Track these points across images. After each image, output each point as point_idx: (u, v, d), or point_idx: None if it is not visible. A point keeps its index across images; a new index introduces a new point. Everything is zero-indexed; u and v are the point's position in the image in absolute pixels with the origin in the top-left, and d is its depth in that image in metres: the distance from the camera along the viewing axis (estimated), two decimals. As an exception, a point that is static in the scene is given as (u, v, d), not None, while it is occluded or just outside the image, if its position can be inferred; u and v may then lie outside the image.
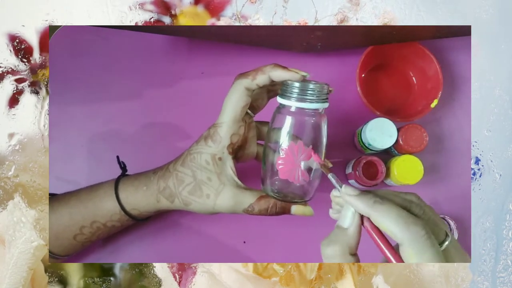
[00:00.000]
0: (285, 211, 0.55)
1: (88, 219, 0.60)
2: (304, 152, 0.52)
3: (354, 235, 0.44)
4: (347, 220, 0.44)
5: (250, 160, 0.61)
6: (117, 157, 0.65)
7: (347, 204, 0.45)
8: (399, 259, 0.41)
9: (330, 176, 0.48)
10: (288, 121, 0.52)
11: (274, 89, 0.60)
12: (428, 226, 0.42)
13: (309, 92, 0.51)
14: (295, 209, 0.55)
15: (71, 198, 0.62)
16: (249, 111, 0.58)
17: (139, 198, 0.59)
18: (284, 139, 0.53)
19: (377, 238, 0.43)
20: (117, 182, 0.61)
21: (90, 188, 0.62)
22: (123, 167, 0.65)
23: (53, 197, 0.63)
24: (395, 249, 0.42)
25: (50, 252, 0.60)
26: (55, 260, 0.62)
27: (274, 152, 0.54)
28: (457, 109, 0.80)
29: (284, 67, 0.54)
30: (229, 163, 0.56)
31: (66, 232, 0.60)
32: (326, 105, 0.53)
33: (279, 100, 0.53)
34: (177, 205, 0.57)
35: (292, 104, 0.52)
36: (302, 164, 0.52)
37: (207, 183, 0.55)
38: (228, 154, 0.56)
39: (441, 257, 0.40)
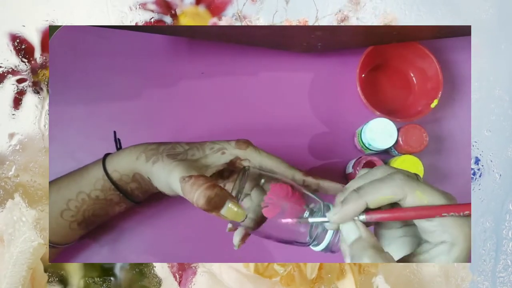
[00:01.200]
0: (217, 206, 0.47)
1: (75, 190, 0.60)
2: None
3: (370, 236, 0.42)
4: (353, 231, 0.42)
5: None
6: (114, 132, 0.66)
7: (341, 222, 0.43)
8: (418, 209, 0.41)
9: (310, 220, 0.46)
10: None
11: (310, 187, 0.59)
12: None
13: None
14: (227, 208, 0.47)
15: (62, 176, 0.63)
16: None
17: (123, 156, 0.59)
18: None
19: (387, 214, 0.42)
20: (108, 153, 0.62)
21: (83, 166, 0.63)
22: (118, 145, 0.65)
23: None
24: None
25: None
26: (50, 250, 0.62)
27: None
28: (457, 109, 0.80)
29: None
30: (220, 162, 0.57)
31: (53, 208, 0.60)
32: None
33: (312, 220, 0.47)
34: (148, 165, 0.56)
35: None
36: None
37: (187, 156, 0.56)
38: (229, 160, 0.57)
39: (436, 189, 0.42)
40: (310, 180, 0.58)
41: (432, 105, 0.74)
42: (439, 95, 0.74)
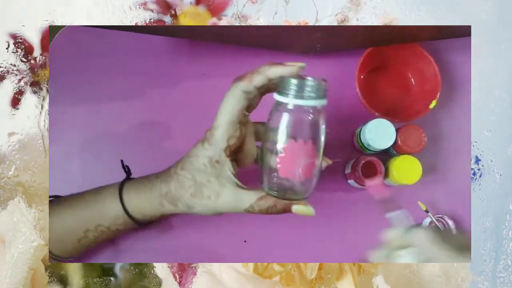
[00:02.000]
0: (286, 209, 0.54)
1: (93, 223, 0.60)
2: (304, 150, 0.51)
3: None
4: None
5: (251, 165, 0.60)
6: (121, 161, 0.65)
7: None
8: None
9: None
10: (285, 119, 0.51)
11: (266, 85, 0.56)
12: None
13: (307, 89, 0.50)
14: (296, 208, 0.53)
15: (74, 201, 0.61)
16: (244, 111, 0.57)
17: (144, 202, 0.58)
18: (282, 138, 0.51)
19: None
20: (121, 186, 0.61)
21: (95, 192, 0.62)
22: (127, 171, 0.65)
23: (56, 200, 0.63)
24: None
25: (53, 254, 0.60)
26: (58, 261, 0.62)
27: (272, 151, 0.53)
28: (455, 110, 0.80)
29: (280, 63, 0.52)
30: (228, 166, 0.55)
31: (70, 235, 0.60)
32: (324, 102, 0.51)
33: (276, 97, 0.52)
34: (180, 208, 0.56)
35: (290, 101, 0.50)
36: (303, 162, 0.51)
37: (207, 185, 0.55)
38: (226, 157, 0.55)
39: None
40: (258, 79, 0.54)
41: (431, 106, 0.74)
42: (438, 96, 0.74)
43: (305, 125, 0.52)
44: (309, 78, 0.51)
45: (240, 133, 0.55)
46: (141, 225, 0.61)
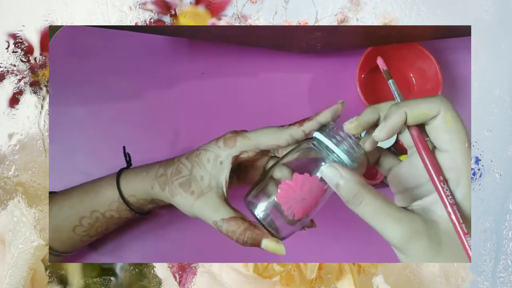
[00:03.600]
0: (255, 243, 0.52)
1: (88, 208, 0.61)
2: (311, 185, 0.48)
3: (353, 174, 0.44)
4: (335, 175, 0.44)
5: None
6: (123, 147, 0.66)
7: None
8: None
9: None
10: (311, 152, 0.50)
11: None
12: None
13: (350, 144, 0.49)
14: (266, 243, 0.52)
15: (73, 190, 0.63)
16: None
17: (137, 183, 0.59)
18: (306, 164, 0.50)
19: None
20: (120, 171, 0.62)
21: (94, 180, 0.64)
22: (128, 160, 0.65)
23: (55, 192, 0.64)
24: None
25: (50, 248, 0.60)
26: (55, 257, 0.62)
27: (281, 173, 0.51)
28: (457, 109, 0.80)
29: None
30: (226, 172, 0.55)
31: (65, 223, 0.61)
32: (354, 165, 0.49)
33: (317, 135, 0.50)
34: (165, 194, 0.57)
35: (330, 145, 0.49)
36: (305, 196, 0.48)
37: (198, 181, 0.55)
38: (230, 163, 0.55)
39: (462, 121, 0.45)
40: (308, 125, 0.54)
41: (432, 106, 0.74)
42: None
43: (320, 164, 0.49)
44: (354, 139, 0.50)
45: (253, 156, 0.56)
46: (135, 213, 0.62)
